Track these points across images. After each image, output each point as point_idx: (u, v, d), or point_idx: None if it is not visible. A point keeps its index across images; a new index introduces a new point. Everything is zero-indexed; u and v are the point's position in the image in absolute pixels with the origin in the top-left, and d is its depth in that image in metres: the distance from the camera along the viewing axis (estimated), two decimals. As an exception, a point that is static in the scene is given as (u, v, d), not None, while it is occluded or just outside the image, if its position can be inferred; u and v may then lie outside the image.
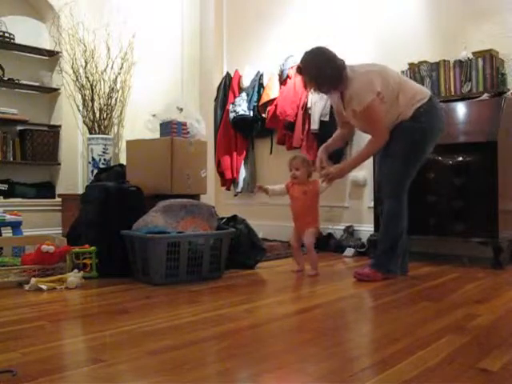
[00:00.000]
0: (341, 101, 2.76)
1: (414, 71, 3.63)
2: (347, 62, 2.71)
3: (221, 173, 4.85)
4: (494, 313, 1.99)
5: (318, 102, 4.04)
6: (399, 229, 2.69)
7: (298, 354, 1.53)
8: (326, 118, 3.99)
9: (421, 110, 2.63)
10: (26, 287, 2.45)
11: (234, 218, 3.30)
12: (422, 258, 3.37)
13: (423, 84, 3.53)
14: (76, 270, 2.63)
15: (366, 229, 3.88)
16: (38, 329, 1.79)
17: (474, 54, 3.39)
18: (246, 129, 4.66)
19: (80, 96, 5.07)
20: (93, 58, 5.05)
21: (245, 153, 4.80)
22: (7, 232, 3.72)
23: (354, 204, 4.15)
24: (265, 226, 4.30)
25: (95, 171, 4.51)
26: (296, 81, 4.27)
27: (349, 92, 2.64)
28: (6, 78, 4.84)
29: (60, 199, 4.94)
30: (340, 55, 2.73)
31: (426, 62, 3.60)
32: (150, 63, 5.02)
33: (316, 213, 2.93)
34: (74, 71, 5.01)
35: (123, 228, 2.76)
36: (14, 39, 4.89)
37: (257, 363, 1.44)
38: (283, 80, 4.40)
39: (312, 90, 2.84)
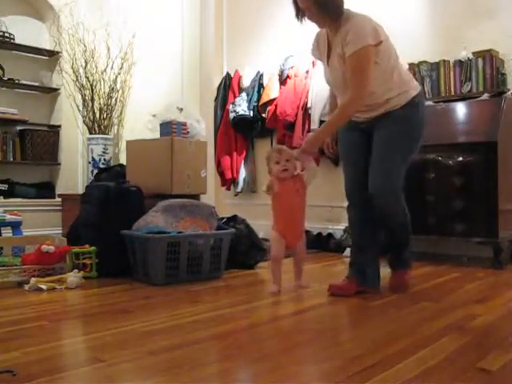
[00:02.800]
0: (327, 44, 2.35)
1: (414, 71, 3.62)
2: None
3: (221, 173, 4.85)
4: (494, 313, 1.99)
5: (318, 102, 4.04)
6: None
7: (297, 354, 1.53)
8: (326, 118, 3.99)
9: (416, 100, 2.32)
10: (26, 287, 2.45)
11: (234, 218, 3.30)
12: (421, 258, 3.36)
13: (423, 84, 3.53)
14: (76, 270, 2.63)
15: (366, 229, 3.87)
16: (38, 329, 1.79)
17: (473, 54, 3.39)
18: (246, 129, 4.65)
19: (80, 96, 5.07)
20: (93, 57, 5.05)
21: (245, 153, 4.80)
22: (7, 232, 3.72)
23: (354, 204, 4.14)
24: (265, 226, 4.29)
25: (95, 171, 4.51)
26: (296, 81, 4.27)
27: (345, 28, 2.20)
28: (5, 78, 4.84)
29: (60, 199, 4.93)
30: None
31: (425, 62, 3.60)
32: (150, 63, 5.02)
33: (304, 219, 2.48)
34: (73, 71, 5.01)
35: (123, 228, 2.76)
36: (14, 39, 4.89)
37: (256, 363, 1.44)
38: (283, 80, 4.39)
39: (305, 18, 2.28)
